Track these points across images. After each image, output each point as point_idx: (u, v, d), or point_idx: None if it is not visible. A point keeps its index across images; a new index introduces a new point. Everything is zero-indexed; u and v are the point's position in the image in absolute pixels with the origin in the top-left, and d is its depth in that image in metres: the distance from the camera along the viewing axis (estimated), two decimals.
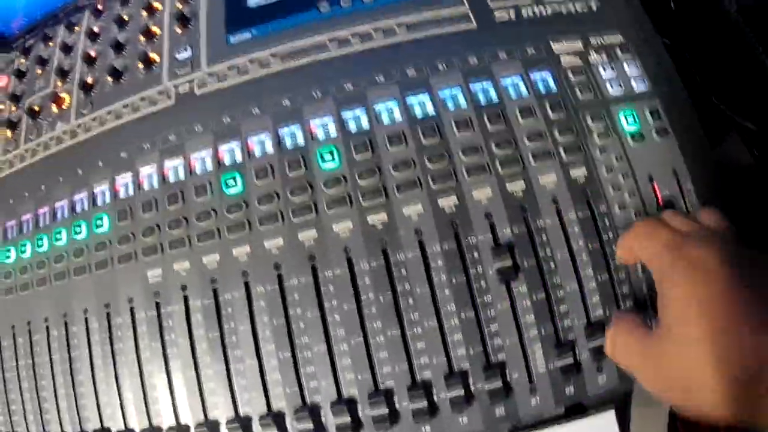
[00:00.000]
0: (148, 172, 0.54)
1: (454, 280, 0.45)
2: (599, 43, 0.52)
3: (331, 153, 0.48)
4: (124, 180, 0.55)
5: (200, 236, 0.49)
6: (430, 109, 0.49)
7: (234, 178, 0.50)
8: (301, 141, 0.50)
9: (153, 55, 0.60)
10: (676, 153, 0.49)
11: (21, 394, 0.52)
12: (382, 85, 0.51)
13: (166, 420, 0.47)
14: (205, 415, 0.46)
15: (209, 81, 0.56)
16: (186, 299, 0.48)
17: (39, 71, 0.70)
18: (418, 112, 0.49)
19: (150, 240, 0.51)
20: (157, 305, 0.49)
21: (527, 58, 0.51)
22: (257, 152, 0.51)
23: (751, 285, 0.33)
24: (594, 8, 0.55)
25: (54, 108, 0.64)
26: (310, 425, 0.44)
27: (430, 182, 0.47)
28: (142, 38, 0.63)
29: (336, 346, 0.45)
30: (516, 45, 0.52)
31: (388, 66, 0.52)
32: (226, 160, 0.51)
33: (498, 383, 0.43)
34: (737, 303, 0.32)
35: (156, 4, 0.65)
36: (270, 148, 0.50)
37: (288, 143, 0.50)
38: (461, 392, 0.43)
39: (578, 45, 0.52)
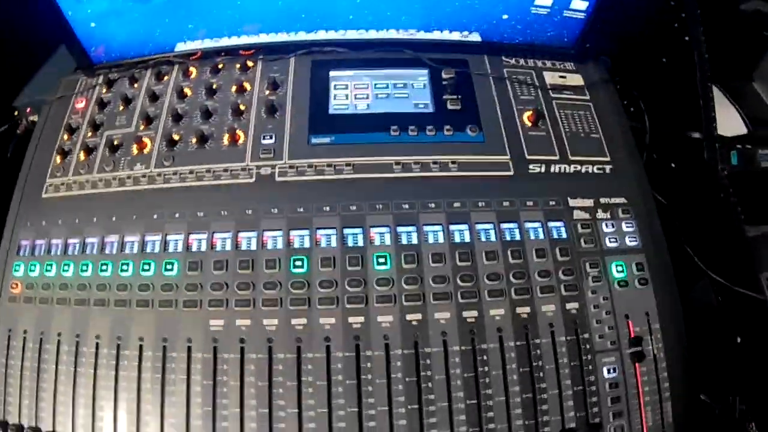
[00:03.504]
0: (222, 236, 0.70)
1: (466, 375, 0.63)
2: (607, 203, 0.72)
3: (385, 258, 0.67)
4: (198, 237, 0.71)
5: (265, 301, 0.66)
6: (467, 238, 0.68)
7: (302, 261, 0.67)
8: (361, 243, 0.68)
9: (239, 133, 0.77)
10: (651, 300, 0.68)
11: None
12: (432, 212, 0.70)
13: None
14: None
15: (289, 172, 0.73)
16: (242, 350, 0.64)
17: (121, 107, 0.85)
18: (457, 239, 0.68)
19: (218, 294, 0.67)
20: (215, 350, 0.65)
21: (548, 209, 0.71)
22: (323, 244, 0.68)
23: None
24: (608, 171, 0.74)
25: (135, 149, 0.80)
26: None
27: (459, 297, 0.65)
28: (230, 112, 0.80)
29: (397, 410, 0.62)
30: (541, 197, 0.71)
31: (439, 196, 0.71)
32: (296, 244, 0.69)
33: None
34: None
35: (246, 85, 0.82)
36: (335, 243, 0.68)
37: (350, 242, 0.68)
38: None
39: (590, 203, 0.72)
